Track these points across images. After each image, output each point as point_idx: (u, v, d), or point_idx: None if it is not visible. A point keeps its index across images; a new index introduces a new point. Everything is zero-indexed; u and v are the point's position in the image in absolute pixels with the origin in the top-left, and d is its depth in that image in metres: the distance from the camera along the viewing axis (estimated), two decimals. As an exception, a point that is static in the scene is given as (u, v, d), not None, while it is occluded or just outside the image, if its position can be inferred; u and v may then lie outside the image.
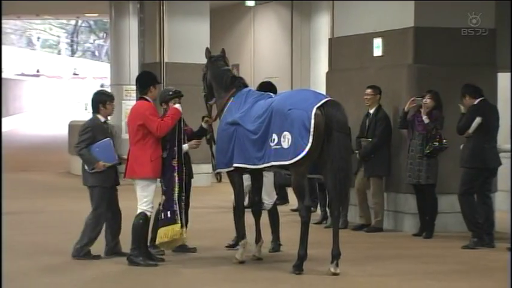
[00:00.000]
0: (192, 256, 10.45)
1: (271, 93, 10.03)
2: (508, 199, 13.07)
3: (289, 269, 9.37)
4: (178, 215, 9.90)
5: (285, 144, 9.21)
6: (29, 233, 10.92)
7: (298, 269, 9.31)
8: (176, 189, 9.88)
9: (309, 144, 9.05)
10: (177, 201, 9.89)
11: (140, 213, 9.78)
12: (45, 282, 9.17)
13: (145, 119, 9.72)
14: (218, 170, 10.21)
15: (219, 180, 10.94)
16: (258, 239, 10.21)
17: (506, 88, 13.12)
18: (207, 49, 10.70)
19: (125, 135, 19.46)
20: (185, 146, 10.28)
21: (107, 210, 10.22)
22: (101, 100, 10.36)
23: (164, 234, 9.89)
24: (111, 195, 10.28)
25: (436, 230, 11.90)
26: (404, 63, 12.46)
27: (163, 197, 9.93)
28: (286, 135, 9.19)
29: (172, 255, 10.34)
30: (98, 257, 10.18)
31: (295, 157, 9.12)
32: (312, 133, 9.05)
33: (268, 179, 10.51)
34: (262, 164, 9.52)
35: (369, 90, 12.58)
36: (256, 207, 10.27)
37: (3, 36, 36.83)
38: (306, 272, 9.31)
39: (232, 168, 9.90)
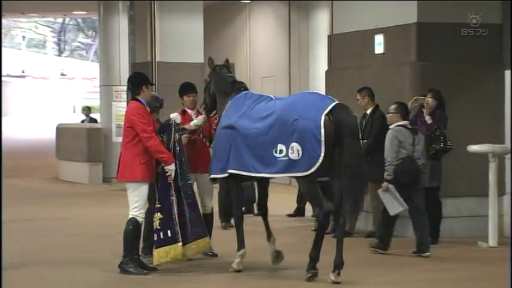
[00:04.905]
0: (186, 264, 10.13)
1: (271, 95, 9.85)
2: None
3: (304, 276, 9.06)
4: (179, 234, 9.61)
5: (294, 156, 9.02)
6: (18, 241, 10.97)
7: (312, 268, 9.05)
8: (175, 207, 9.57)
9: (322, 155, 8.93)
10: (177, 220, 9.58)
11: (131, 219, 9.57)
12: (33, 291, 9.20)
13: (132, 122, 9.52)
14: (212, 176, 9.93)
15: None
16: (269, 235, 9.99)
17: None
18: (209, 58, 10.51)
19: (116, 138, 19.20)
20: None
21: None
22: None
23: (165, 253, 9.62)
24: None
25: (442, 236, 11.67)
26: (407, 61, 12.30)
27: (159, 215, 9.62)
28: (295, 146, 9.02)
29: (165, 264, 9.98)
30: None
31: (310, 169, 8.98)
32: (323, 142, 8.93)
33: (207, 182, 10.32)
34: (266, 174, 9.36)
35: (357, 94, 12.30)
36: (262, 211, 10.14)
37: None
38: (305, 279, 9.07)
39: (226, 175, 9.65)
